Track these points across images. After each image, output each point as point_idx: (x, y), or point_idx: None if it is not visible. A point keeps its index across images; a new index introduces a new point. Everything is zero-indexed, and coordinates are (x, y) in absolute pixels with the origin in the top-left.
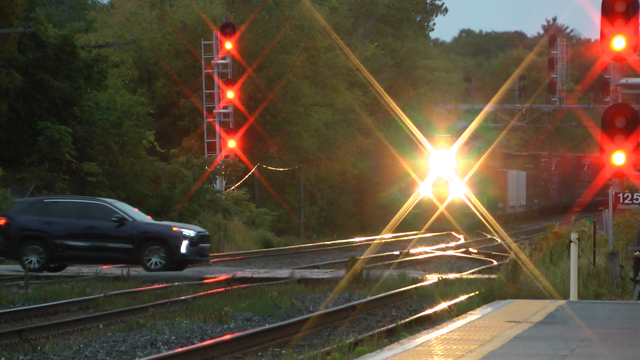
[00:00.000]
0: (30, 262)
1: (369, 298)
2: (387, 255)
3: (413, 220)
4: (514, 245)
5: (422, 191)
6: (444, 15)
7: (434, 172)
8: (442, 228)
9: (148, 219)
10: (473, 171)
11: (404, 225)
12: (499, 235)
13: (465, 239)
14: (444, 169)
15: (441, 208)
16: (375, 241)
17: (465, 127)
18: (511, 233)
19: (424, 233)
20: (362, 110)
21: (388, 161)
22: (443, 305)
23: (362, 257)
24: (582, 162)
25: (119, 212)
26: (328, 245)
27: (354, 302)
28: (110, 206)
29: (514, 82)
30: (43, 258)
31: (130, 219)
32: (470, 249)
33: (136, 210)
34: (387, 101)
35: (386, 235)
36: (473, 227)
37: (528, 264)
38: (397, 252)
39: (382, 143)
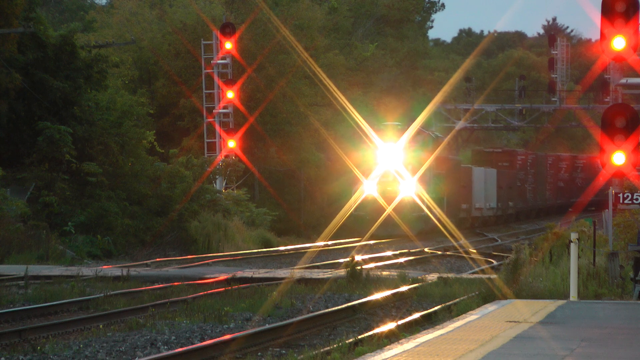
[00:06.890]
0: None
1: (368, 298)
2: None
3: (354, 225)
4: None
5: (366, 189)
6: (442, 11)
7: (380, 167)
8: (388, 234)
9: None
10: (427, 165)
11: (343, 231)
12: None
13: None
14: (392, 162)
15: (389, 210)
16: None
17: (464, 127)
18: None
19: (368, 240)
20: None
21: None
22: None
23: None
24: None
25: None
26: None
27: (354, 302)
28: None
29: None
30: None
31: None
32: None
33: None
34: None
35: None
36: (427, 232)
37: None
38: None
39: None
